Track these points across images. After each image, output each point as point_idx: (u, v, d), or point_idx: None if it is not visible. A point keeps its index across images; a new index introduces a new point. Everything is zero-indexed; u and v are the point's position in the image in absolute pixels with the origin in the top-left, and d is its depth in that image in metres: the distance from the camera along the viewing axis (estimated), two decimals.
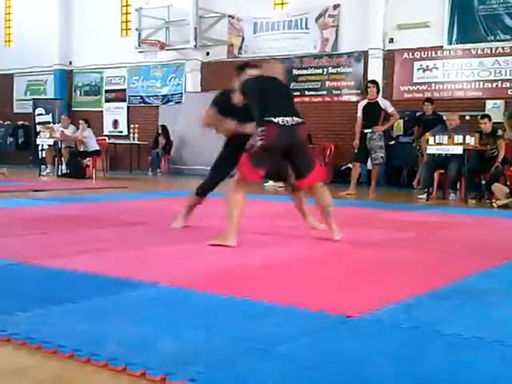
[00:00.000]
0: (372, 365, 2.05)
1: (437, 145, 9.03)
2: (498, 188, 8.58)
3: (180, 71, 16.17)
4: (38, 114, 17.91)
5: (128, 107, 17.28)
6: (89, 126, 13.34)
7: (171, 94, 16.35)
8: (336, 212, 4.89)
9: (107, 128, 17.41)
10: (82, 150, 13.15)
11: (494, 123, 9.74)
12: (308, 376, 1.94)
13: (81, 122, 13.37)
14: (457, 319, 2.65)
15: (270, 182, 11.55)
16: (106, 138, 15.77)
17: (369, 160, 10.26)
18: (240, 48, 15.15)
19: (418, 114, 11.64)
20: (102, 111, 17.62)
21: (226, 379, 1.91)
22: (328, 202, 4.83)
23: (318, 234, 5.07)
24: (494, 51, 12.07)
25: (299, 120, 4.68)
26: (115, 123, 17.44)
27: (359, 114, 10.16)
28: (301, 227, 5.43)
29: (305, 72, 14.24)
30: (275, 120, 4.53)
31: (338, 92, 13.82)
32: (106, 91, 17.72)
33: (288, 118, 4.60)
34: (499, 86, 12.04)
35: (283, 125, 4.55)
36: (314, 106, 13.74)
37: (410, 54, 12.93)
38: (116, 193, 9.46)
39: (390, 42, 13.17)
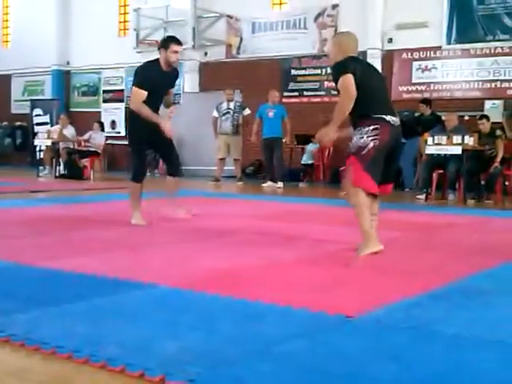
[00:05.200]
0: (371, 365, 2.05)
1: (436, 145, 9.03)
2: None
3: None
4: (36, 115, 17.90)
5: (126, 108, 17.26)
6: (102, 130, 13.51)
7: None
8: (335, 213, 4.88)
9: (105, 128, 17.36)
10: (85, 149, 13.18)
11: (492, 123, 9.74)
12: (307, 377, 1.94)
13: (95, 124, 13.50)
14: (456, 319, 2.65)
15: (269, 183, 11.56)
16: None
17: None
18: (238, 48, 15.14)
19: (416, 114, 11.63)
20: (99, 112, 17.60)
21: (225, 380, 1.90)
22: (376, 211, 4.39)
23: (316, 235, 5.07)
24: (492, 51, 12.07)
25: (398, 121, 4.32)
26: (113, 124, 17.41)
27: None
28: (299, 228, 5.43)
29: (303, 72, 14.24)
30: (387, 118, 4.18)
31: (337, 92, 13.79)
32: (104, 92, 17.71)
33: (394, 118, 4.27)
34: (498, 86, 12.05)
35: (393, 124, 4.21)
36: (312, 106, 13.74)
37: (409, 54, 12.94)
38: (114, 193, 9.45)
39: (388, 42, 13.17)
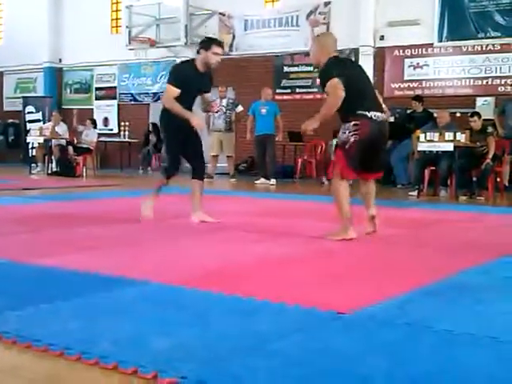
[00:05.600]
0: (364, 361, 2.05)
1: (428, 142, 9.05)
2: None
3: None
4: (28, 112, 17.82)
5: (118, 105, 17.23)
6: (95, 127, 13.50)
7: (162, 92, 16.17)
8: (328, 209, 4.89)
9: (98, 126, 17.32)
10: (80, 145, 13.20)
11: (484, 120, 9.77)
12: (300, 373, 1.94)
13: (88, 121, 13.50)
14: (449, 315, 2.66)
15: (262, 180, 11.56)
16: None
17: None
18: (231, 45, 15.12)
19: (408, 111, 11.66)
20: (92, 109, 17.55)
21: (218, 376, 1.90)
22: (370, 190, 4.89)
23: (310, 232, 5.07)
24: (484, 48, 12.10)
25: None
26: (106, 121, 17.38)
27: None
28: (292, 225, 5.43)
29: (296, 69, 14.24)
30: (369, 115, 4.56)
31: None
32: (97, 89, 17.66)
33: (378, 113, 4.65)
34: (489, 83, 12.08)
35: (375, 119, 4.59)
36: (304, 103, 13.73)
37: (401, 51, 12.95)
38: (107, 190, 9.44)
39: (380, 39, 13.18)
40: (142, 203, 5.63)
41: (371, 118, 4.55)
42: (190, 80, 5.36)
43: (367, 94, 4.74)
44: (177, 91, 5.28)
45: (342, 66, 4.80)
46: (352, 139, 4.51)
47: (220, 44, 5.48)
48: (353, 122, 4.51)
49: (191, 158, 5.69)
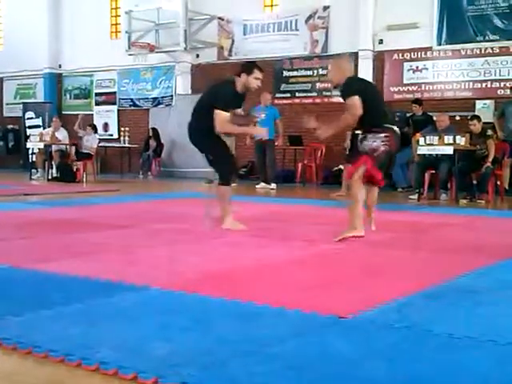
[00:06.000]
0: (364, 365, 2.05)
1: (427, 145, 9.06)
2: None
3: (170, 74, 16.15)
4: (28, 118, 17.84)
5: (118, 110, 17.24)
6: (95, 132, 13.54)
7: (161, 97, 16.33)
8: (327, 214, 4.90)
9: (98, 131, 17.35)
10: (81, 150, 13.22)
11: (483, 123, 9.77)
12: (300, 377, 1.94)
13: (88, 127, 13.53)
14: (449, 319, 2.66)
15: (262, 184, 11.56)
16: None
17: None
18: (230, 50, 15.15)
19: (408, 114, 11.67)
20: (92, 114, 17.56)
21: (218, 381, 1.90)
22: (376, 195, 5.46)
23: (309, 236, 5.07)
24: (483, 52, 12.11)
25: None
26: (105, 126, 17.39)
27: None
28: (293, 229, 5.43)
29: (295, 74, 14.25)
30: (394, 128, 5.17)
31: (329, 93, 13.83)
32: (96, 94, 17.67)
33: (396, 127, 5.26)
34: (489, 86, 12.08)
35: (397, 133, 5.20)
36: (304, 107, 13.74)
37: (400, 55, 12.97)
38: (107, 196, 9.44)
39: (379, 43, 13.20)
40: (228, 223, 5.47)
41: (395, 131, 5.16)
42: (232, 101, 5.51)
43: (384, 108, 5.37)
44: (228, 115, 5.39)
45: (361, 83, 5.49)
46: (382, 148, 5.00)
47: (260, 69, 5.58)
48: (384, 134, 5.02)
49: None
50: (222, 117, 5.33)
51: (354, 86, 5.14)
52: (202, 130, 5.52)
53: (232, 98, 5.47)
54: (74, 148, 13.20)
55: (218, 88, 5.61)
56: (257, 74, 5.46)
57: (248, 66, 5.56)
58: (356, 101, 4.94)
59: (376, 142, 4.99)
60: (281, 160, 13.04)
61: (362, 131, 5.21)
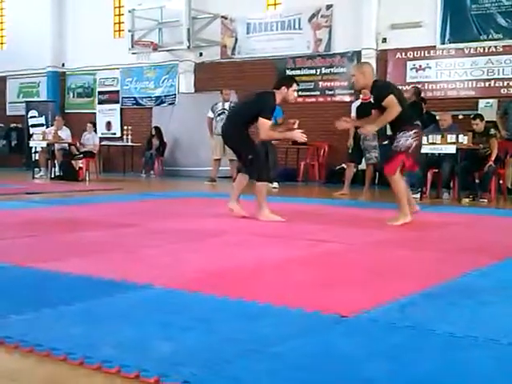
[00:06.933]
0: (367, 364, 2.05)
1: (430, 144, 9.04)
2: None
3: (173, 72, 16.16)
4: (31, 117, 17.86)
5: (121, 109, 17.25)
6: (95, 131, 13.60)
7: (164, 96, 16.33)
8: (330, 212, 4.89)
9: (100, 130, 17.35)
10: (82, 150, 13.24)
11: (486, 122, 9.76)
12: (303, 377, 1.94)
13: (88, 125, 13.55)
14: (451, 318, 2.65)
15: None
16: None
17: (363, 160, 10.28)
18: (233, 49, 15.15)
19: None
20: (95, 113, 17.58)
21: (221, 380, 1.90)
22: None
23: (312, 235, 5.07)
24: (486, 50, 12.09)
25: None
26: (108, 125, 17.40)
27: (353, 114, 10.17)
28: (295, 228, 5.42)
29: (298, 72, 14.23)
30: (420, 124, 5.91)
31: (332, 92, 13.83)
32: (99, 93, 17.68)
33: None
34: (492, 85, 12.07)
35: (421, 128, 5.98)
36: (307, 106, 13.74)
37: (403, 53, 12.95)
38: (109, 195, 9.45)
39: (383, 41, 13.19)
40: (265, 214, 5.98)
41: (420, 127, 5.90)
42: (273, 112, 6.09)
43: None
44: (271, 123, 6.05)
45: (390, 85, 6.32)
46: (414, 144, 5.72)
47: (297, 82, 6.20)
48: (413, 131, 5.70)
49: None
50: (267, 126, 5.89)
51: (386, 87, 5.93)
52: (241, 134, 6.06)
53: (274, 108, 6.02)
54: (73, 148, 13.20)
55: (264, 99, 6.02)
56: (295, 86, 6.01)
57: (288, 80, 6.21)
58: (393, 99, 5.58)
59: (408, 140, 5.67)
60: (283, 159, 13.03)
61: (393, 130, 5.84)
